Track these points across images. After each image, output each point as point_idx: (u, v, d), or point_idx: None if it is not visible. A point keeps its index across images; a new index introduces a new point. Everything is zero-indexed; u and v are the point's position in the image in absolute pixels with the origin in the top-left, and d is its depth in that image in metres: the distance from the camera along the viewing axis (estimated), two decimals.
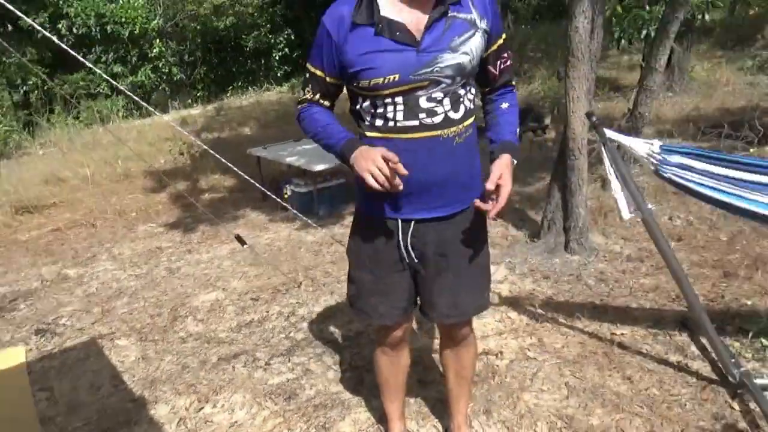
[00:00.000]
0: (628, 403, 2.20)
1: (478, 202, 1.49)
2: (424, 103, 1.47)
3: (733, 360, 2.18)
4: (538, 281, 3.28)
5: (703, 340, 2.50)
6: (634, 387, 2.29)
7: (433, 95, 1.47)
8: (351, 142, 1.52)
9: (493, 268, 3.43)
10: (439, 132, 1.49)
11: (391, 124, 1.50)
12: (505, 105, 1.66)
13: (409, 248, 1.63)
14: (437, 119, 1.49)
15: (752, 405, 2.11)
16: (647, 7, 5.87)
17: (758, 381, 2.09)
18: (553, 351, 2.59)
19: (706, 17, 7.16)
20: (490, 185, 1.45)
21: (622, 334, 2.67)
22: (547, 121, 6.79)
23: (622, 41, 6.46)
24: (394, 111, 1.48)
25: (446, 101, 1.49)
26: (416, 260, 1.65)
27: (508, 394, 2.32)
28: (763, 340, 2.45)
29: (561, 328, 2.77)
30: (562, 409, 2.21)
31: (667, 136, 5.80)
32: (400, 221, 1.61)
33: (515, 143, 1.59)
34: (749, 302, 2.81)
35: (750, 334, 2.50)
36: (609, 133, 1.96)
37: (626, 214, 1.99)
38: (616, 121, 4.68)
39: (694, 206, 3.95)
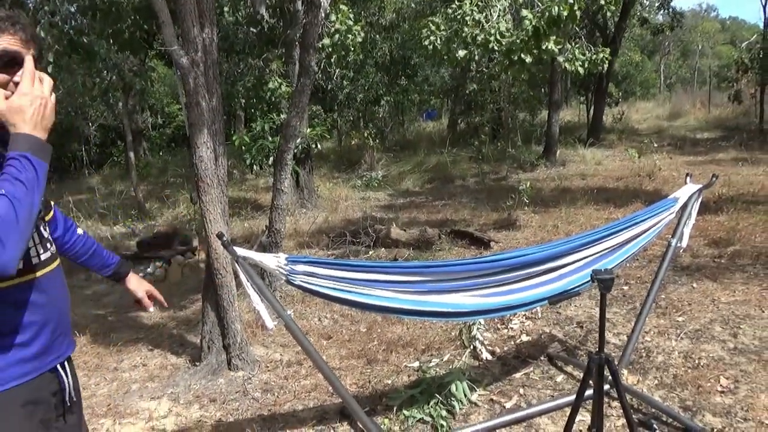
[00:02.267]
0: None
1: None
2: (44, 233, 1.41)
3: None
4: (205, 406, 3.16)
5: (360, 424, 2.76)
6: None
7: (45, 226, 1.44)
8: None
9: (154, 403, 3.20)
10: (59, 259, 1.47)
11: (35, 261, 1.35)
12: (80, 231, 1.74)
13: (72, 392, 1.44)
14: (55, 248, 1.46)
15: None
16: (270, 138, 6.65)
17: None
18: None
19: (319, 146, 8.50)
20: (147, 301, 1.81)
21: None
22: (195, 242, 6.84)
23: (254, 166, 7.10)
24: (34, 244, 1.35)
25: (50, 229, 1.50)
26: (75, 402, 1.47)
27: None
28: (405, 412, 2.85)
29: None
30: None
31: (306, 247, 6.49)
32: (59, 367, 1.41)
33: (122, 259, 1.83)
34: (389, 381, 3.25)
35: (395, 409, 2.88)
36: (240, 250, 2.08)
37: (270, 324, 2.12)
38: (257, 238, 5.01)
39: (337, 306, 4.45)
